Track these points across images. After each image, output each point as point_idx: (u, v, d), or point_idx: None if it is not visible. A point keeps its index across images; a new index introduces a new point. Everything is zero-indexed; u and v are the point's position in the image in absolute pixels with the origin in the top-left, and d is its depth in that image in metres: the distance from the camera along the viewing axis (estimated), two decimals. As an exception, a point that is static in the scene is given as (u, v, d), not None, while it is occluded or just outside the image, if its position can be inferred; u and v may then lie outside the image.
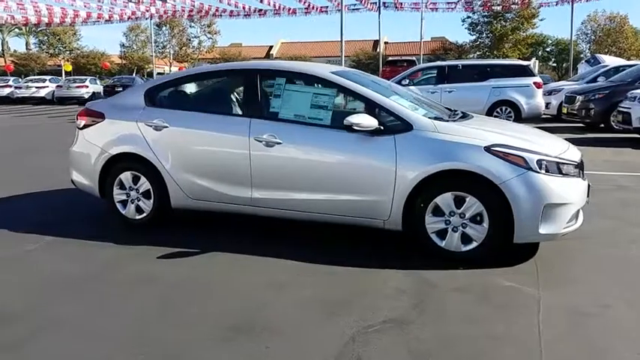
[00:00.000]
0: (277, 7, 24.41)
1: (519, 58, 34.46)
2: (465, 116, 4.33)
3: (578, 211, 3.72)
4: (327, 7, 25.91)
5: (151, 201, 4.47)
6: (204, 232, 4.51)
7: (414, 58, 28.01)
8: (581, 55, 47.59)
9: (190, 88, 4.84)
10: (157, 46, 49.07)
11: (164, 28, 48.75)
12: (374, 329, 2.75)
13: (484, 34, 42.13)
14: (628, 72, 12.15)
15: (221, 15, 26.42)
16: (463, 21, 42.12)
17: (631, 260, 3.80)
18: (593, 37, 43.71)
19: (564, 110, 12.57)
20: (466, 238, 3.63)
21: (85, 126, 4.74)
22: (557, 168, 3.56)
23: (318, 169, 3.92)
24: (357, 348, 2.56)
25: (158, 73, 53.47)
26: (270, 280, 3.44)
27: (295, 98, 4.12)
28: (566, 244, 3.94)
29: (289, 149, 3.98)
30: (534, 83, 12.17)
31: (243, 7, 24.47)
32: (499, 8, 35.27)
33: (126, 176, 4.52)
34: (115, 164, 4.55)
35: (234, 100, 4.64)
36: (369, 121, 3.73)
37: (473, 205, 3.56)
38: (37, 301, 3.17)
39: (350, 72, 4.62)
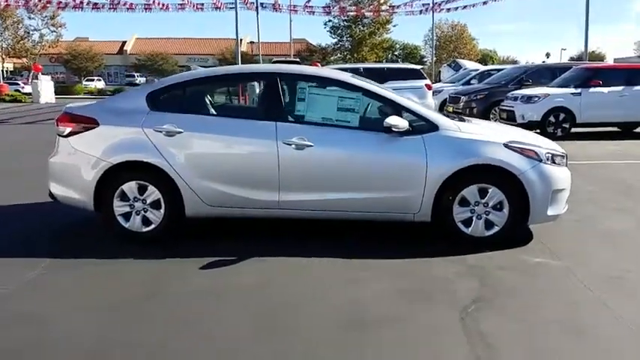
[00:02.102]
0: (157, 3, 23.09)
1: (376, 61, 37.31)
2: (462, 119, 4.82)
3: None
4: (203, 4, 25.29)
5: (162, 211, 4.22)
6: (220, 239, 4.39)
7: (297, 59, 28.71)
8: (424, 59, 52.95)
9: (203, 91, 4.61)
10: (-15, 39, 43.18)
11: (-6, 18, 42.78)
12: (472, 309, 3.07)
13: (344, 38, 44.57)
14: (500, 75, 14.11)
15: (83, 8, 24.19)
16: (325, 24, 44.10)
17: (604, 232, 4.66)
18: (437, 42, 48.90)
19: (449, 109, 14.12)
20: (489, 224, 4.13)
21: (72, 133, 4.28)
22: (555, 159, 4.24)
23: (352, 170, 4.11)
24: (474, 326, 2.87)
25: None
26: (338, 278, 3.55)
27: (321, 101, 4.25)
28: (548, 224, 4.65)
29: (322, 151, 4.09)
30: (426, 85, 13.51)
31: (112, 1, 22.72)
32: (370, 14, 37.76)
33: (130, 186, 4.20)
34: (116, 174, 4.19)
35: (255, 103, 4.57)
36: (403, 123, 4.03)
37: (495, 194, 4.07)
38: (102, 328, 2.87)
39: (361, 77, 4.85)
